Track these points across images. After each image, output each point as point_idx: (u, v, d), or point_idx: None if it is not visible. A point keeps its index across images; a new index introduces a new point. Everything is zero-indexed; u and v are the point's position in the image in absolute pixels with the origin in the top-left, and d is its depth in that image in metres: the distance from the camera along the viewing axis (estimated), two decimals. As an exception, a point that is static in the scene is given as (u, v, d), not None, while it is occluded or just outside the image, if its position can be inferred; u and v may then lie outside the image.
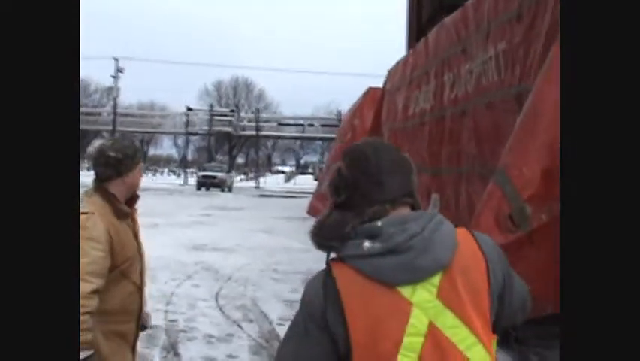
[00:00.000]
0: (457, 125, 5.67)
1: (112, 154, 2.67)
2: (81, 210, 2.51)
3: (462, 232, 1.57)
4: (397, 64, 8.70)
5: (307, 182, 41.37)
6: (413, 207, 1.65)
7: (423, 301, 1.40)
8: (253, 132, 37.15)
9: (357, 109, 11.36)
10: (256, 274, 9.42)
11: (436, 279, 1.42)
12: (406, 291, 1.40)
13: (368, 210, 1.51)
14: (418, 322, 1.38)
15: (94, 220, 2.61)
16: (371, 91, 11.64)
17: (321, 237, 1.56)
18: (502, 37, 4.60)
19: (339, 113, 33.63)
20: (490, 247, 1.56)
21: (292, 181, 41.19)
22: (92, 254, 2.57)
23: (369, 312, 1.37)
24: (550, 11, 3.78)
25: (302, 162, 57.44)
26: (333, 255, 1.55)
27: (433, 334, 1.38)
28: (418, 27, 25.61)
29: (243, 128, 47.69)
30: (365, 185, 1.54)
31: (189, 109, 54.77)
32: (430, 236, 1.46)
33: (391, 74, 9.10)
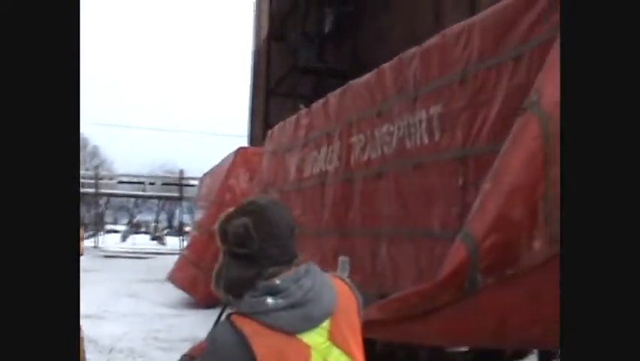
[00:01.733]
0: (371, 187, 5.58)
1: None
2: None
3: (336, 279, 1.85)
4: (283, 125, 8.57)
5: (144, 241, 39.91)
6: None
7: (318, 344, 1.63)
8: (92, 190, 34.99)
9: (231, 169, 11.05)
10: (140, 343, 8.54)
11: (326, 323, 1.66)
12: (304, 337, 1.61)
13: (269, 270, 1.68)
14: None
15: None
16: (242, 151, 11.44)
17: (225, 289, 1.73)
18: (437, 100, 4.62)
19: (181, 172, 32.84)
20: (357, 290, 1.86)
21: (128, 241, 39.41)
22: None
23: (278, 358, 1.56)
24: (507, 78, 3.84)
25: (135, 220, 55.04)
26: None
27: None
28: (267, 87, 26.03)
29: (83, 186, 44.73)
30: (271, 248, 1.71)
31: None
32: (319, 289, 1.70)
33: (274, 134, 8.95)
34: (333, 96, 6.79)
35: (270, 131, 9.28)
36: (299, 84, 20.96)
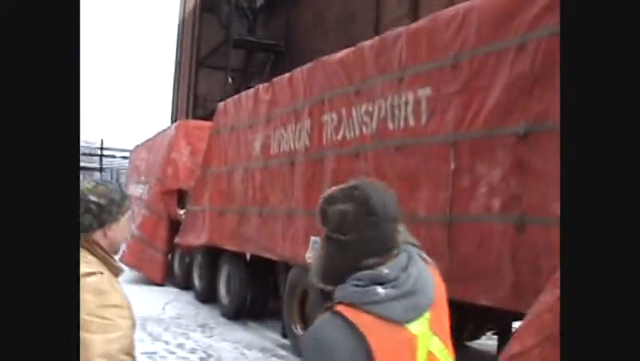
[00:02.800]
0: (346, 167, 5.57)
1: (93, 199, 2.11)
2: (82, 270, 1.92)
3: (429, 265, 1.77)
4: (239, 99, 8.37)
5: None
6: None
7: (422, 333, 1.59)
8: None
9: (173, 143, 10.71)
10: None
11: (427, 312, 1.63)
12: (411, 327, 1.57)
13: (370, 260, 1.60)
14: (422, 352, 1.58)
15: (109, 282, 2.03)
16: (183, 124, 11.14)
17: (323, 276, 1.66)
18: (426, 83, 4.64)
19: (102, 142, 31.60)
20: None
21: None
22: (121, 325, 1.94)
23: (390, 350, 1.52)
24: (508, 65, 3.90)
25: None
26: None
27: (431, 359, 1.59)
28: (197, 59, 25.32)
29: None
30: (372, 237, 1.62)
31: None
32: (424, 277, 1.66)
33: (227, 109, 8.73)
34: (299, 72, 6.69)
35: (221, 106, 9.05)
36: (228, 57, 20.54)
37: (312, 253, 6.09)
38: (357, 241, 1.60)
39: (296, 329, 6.60)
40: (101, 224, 2.08)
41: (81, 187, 2.10)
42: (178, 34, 32.92)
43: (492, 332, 6.22)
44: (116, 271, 2.14)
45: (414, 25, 4.97)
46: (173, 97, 32.75)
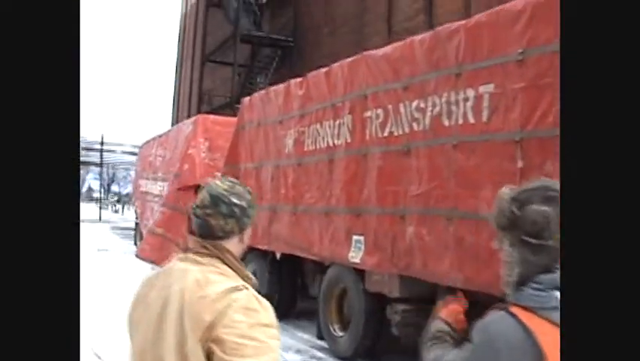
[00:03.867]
0: (394, 164, 5.45)
1: (235, 201, 1.87)
2: (222, 285, 1.71)
3: None
4: (266, 95, 8.23)
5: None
6: None
7: None
8: None
9: (191, 138, 10.54)
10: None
11: None
12: None
13: (557, 264, 1.50)
14: None
15: (255, 297, 1.75)
16: (201, 119, 10.98)
17: (517, 281, 1.54)
18: (489, 79, 4.53)
19: (102, 137, 31.28)
20: None
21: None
22: (272, 347, 1.70)
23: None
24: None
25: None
26: None
27: None
28: (202, 54, 25.10)
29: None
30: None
31: None
32: None
33: (253, 105, 8.58)
34: (339, 67, 6.56)
35: (246, 101, 8.90)
36: (236, 52, 20.36)
37: (355, 253, 6.00)
38: (555, 245, 1.50)
39: (334, 330, 6.48)
40: (241, 229, 1.86)
41: (214, 188, 1.88)
42: (180, 30, 32.67)
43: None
44: (251, 283, 1.85)
45: (472, 20, 4.84)
46: (174, 93, 32.50)
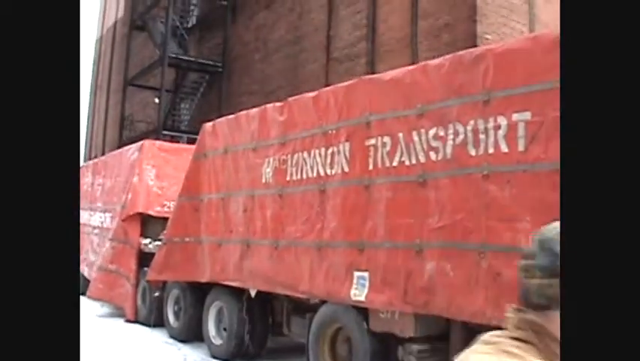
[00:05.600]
0: (406, 196, 5.13)
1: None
2: None
3: None
4: (235, 120, 7.72)
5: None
6: None
7: None
8: None
9: (137, 165, 9.81)
10: None
11: None
12: None
13: None
14: None
15: None
16: (148, 145, 10.30)
17: None
18: (524, 107, 4.32)
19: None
20: None
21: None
22: None
23: None
24: None
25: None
26: None
27: None
28: (125, 78, 23.99)
29: None
30: None
31: None
32: None
33: (214, 131, 8.05)
34: (330, 92, 6.21)
35: (208, 126, 8.34)
36: (164, 76, 19.59)
37: (358, 290, 5.58)
38: None
39: (328, 371, 6.01)
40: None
41: (548, 241, 1.30)
42: (95, 54, 31.26)
43: None
44: None
45: (505, 46, 4.65)
46: (87, 120, 30.93)
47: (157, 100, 21.28)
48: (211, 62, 20.07)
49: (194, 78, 21.32)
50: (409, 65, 12.88)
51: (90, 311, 9.76)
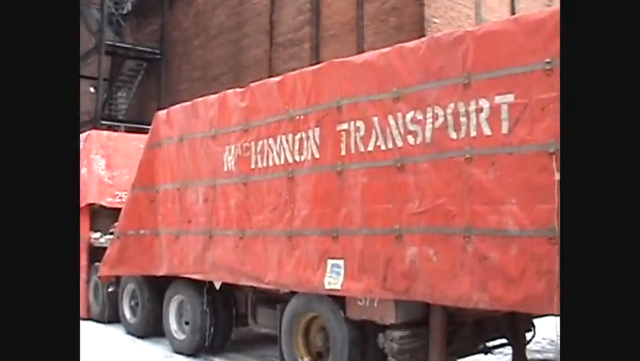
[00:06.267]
0: (382, 181, 5.04)
1: None
2: None
3: None
4: (191, 107, 7.41)
5: None
6: None
7: None
8: None
9: (85, 156, 9.38)
10: None
11: None
12: None
13: None
14: None
15: None
16: (95, 135, 9.87)
17: None
18: (507, 89, 4.29)
19: None
20: None
21: None
22: None
23: None
24: None
25: None
26: None
27: None
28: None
29: None
30: None
31: None
32: None
33: (169, 119, 7.73)
34: (298, 76, 6.03)
35: (161, 115, 8.00)
36: (100, 65, 18.84)
37: (333, 279, 5.48)
38: None
39: (303, 363, 5.88)
40: None
41: None
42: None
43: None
44: None
45: (485, 28, 4.61)
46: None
47: (93, 89, 20.46)
48: (149, 50, 19.46)
49: (131, 66, 20.61)
50: (355, 49, 12.90)
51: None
